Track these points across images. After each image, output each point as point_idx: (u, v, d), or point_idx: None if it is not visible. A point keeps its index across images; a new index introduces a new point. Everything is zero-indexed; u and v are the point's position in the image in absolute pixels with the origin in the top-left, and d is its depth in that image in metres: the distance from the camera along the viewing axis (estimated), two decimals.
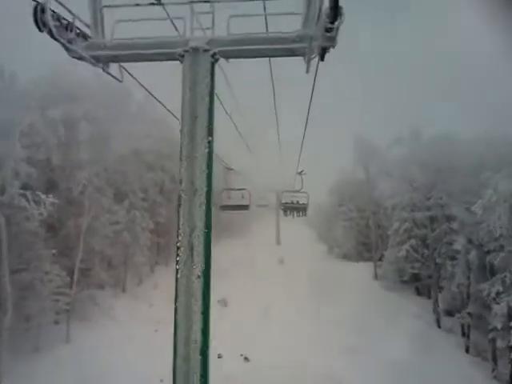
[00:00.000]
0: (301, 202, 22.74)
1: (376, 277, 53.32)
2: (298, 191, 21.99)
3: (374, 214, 57.51)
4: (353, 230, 63.52)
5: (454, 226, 40.40)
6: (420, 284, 48.77)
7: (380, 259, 54.50)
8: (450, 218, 42.80)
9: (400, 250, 47.64)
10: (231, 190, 21.46)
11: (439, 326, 41.74)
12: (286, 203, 22.96)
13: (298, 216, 23.22)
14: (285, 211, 23.28)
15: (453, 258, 40.46)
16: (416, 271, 46.94)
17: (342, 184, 69.84)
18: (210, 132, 5.84)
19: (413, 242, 47.30)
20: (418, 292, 49.31)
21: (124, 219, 38.62)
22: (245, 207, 20.69)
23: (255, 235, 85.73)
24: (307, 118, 10.52)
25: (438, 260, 43.24)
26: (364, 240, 63.85)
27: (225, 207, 20.86)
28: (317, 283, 49.22)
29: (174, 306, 5.63)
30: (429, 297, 47.39)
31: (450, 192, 43.15)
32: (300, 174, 20.33)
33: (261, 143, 45.06)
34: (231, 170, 21.94)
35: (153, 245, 47.73)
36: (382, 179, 50.59)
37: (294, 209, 22.92)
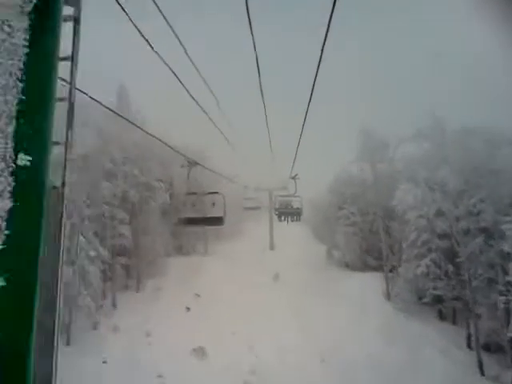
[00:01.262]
0: (295, 207, 22.20)
1: (388, 296, 43.42)
2: (291, 195, 21.22)
3: (383, 218, 47.45)
4: (356, 236, 53.75)
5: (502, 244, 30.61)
6: (443, 306, 38.97)
7: (391, 271, 44.84)
8: (485, 231, 33.09)
9: (418, 266, 38.14)
10: (194, 194, 15.50)
11: (481, 370, 31.92)
12: (280, 208, 22.44)
13: (292, 221, 21.78)
14: (279, 216, 22.10)
15: (492, 281, 30.95)
16: (439, 292, 37.19)
17: (341, 183, 59.99)
18: None
19: (434, 256, 37.90)
20: (441, 316, 39.48)
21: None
22: (217, 220, 15.25)
23: (247, 237, 76.75)
24: (305, 117, 9.50)
25: (473, 283, 33.47)
26: (368, 247, 54.29)
27: (188, 221, 15.46)
28: (318, 308, 39.80)
29: None
30: (454, 322, 38.17)
31: (489, 199, 33.26)
32: (294, 178, 19.24)
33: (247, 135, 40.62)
34: (194, 165, 14.66)
35: (116, 270, 38.06)
36: (400, 184, 40.03)
37: (289, 214, 22.29)
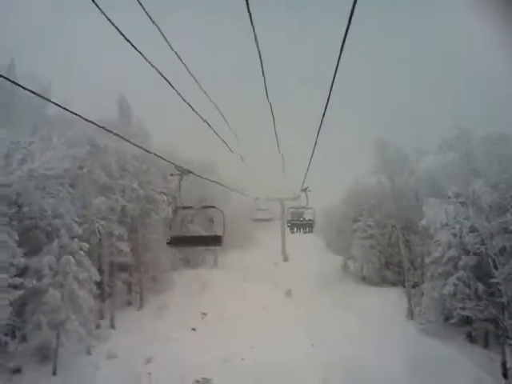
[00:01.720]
0: (307, 219, 21.70)
1: (410, 314, 39.65)
2: (303, 207, 20.84)
3: (403, 231, 43.78)
4: (374, 249, 50.11)
5: None
6: (473, 328, 35.07)
7: (413, 287, 41.18)
8: None
9: (445, 285, 34.38)
10: (189, 208, 12.70)
11: None
12: (293, 220, 21.85)
13: (304, 233, 22.01)
14: (291, 228, 22.11)
15: None
16: (468, 313, 33.34)
17: (357, 194, 56.48)
18: None
19: (462, 274, 34.00)
20: (471, 339, 35.55)
21: (49, 271, 25.25)
22: (215, 240, 11.78)
23: (259, 248, 73.37)
24: (320, 125, 8.56)
25: None
26: (387, 261, 50.73)
27: (180, 240, 12.03)
28: (334, 327, 36.37)
29: None
30: (485, 345, 34.33)
31: None
32: (305, 190, 18.99)
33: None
34: (186, 173, 11.49)
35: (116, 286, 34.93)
36: (428, 202, 36.10)
37: (301, 225, 21.86)
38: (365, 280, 51.92)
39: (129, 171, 36.04)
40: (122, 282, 36.38)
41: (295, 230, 23.15)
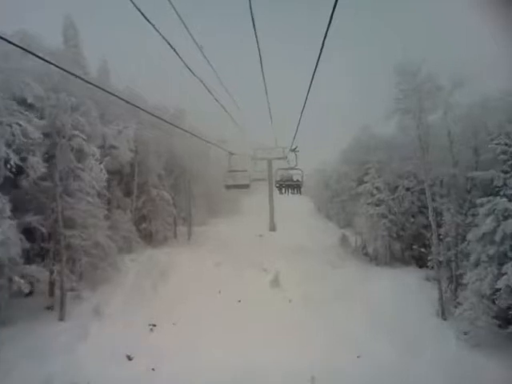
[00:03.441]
0: (295, 179, 21.38)
1: (443, 313, 27.76)
2: (292, 168, 21.17)
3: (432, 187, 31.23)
4: (385, 218, 37.71)
5: None
6: None
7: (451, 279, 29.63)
8: None
9: (499, 275, 22.61)
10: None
11: None
12: (281, 180, 21.56)
13: (292, 193, 21.81)
14: (280, 189, 21.86)
15: None
16: None
17: (360, 149, 43.88)
18: None
19: None
20: None
21: None
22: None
23: (245, 214, 61.93)
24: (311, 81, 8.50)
25: None
26: (398, 232, 38.32)
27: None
28: (338, 326, 24.77)
29: None
30: None
31: None
32: (294, 150, 20.13)
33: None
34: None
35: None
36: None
37: (289, 186, 21.59)
38: (370, 257, 39.96)
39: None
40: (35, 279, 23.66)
41: (283, 190, 22.22)
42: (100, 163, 25.59)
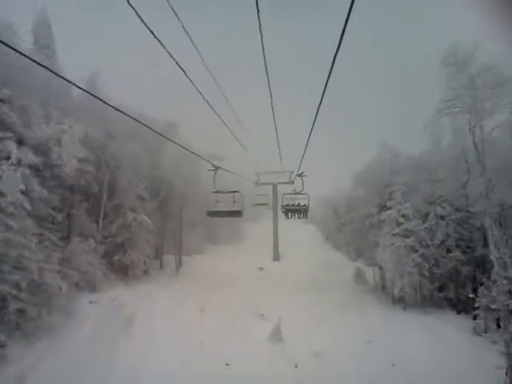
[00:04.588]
0: (302, 204, 20.46)
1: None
2: (298, 193, 19.88)
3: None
4: (414, 252, 29.49)
5: None
6: None
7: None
8: None
9: None
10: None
11: None
12: (288, 205, 20.43)
13: (298, 218, 20.83)
14: (286, 213, 20.66)
15: None
16: None
17: (379, 170, 35.99)
18: None
19: None
20: None
21: None
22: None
23: (248, 243, 57.76)
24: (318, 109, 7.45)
25: None
26: (431, 269, 30.07)
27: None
28: None
29: None
30: None
31: None
32: (300, 175, 18.80)
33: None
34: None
35: None
36: None
37: (295, 211, 20.57)
38: (393, 299, 31.52)
39: None
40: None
41: (290, 215, 20.96)
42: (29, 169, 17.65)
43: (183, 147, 15.76)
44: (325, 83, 6.26)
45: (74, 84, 6.84)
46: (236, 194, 18.29)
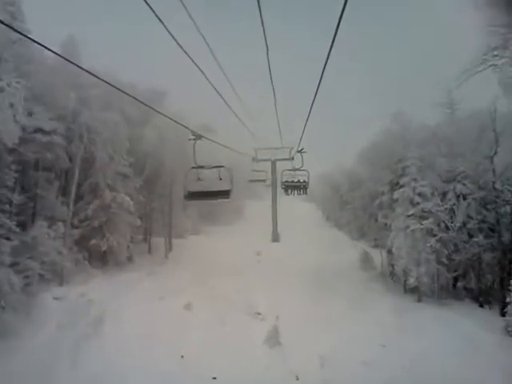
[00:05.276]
0: (301, 180, 19.74)
1: None
2: (298, 169, 19.04)
3: None
4: (431, 237, 25.47)
5: None
6: None
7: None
8: None
9: None
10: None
11: None
12: (287, 181, 19.87)
13: (298, 194, 20.51)
14: (286, 190, 20.18)
15: None
16: None
17: (388, 141, 31.73)
18: None
19: None
20: None
21: None
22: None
23: (246, 222, 52.23)
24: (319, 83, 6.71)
25: None
26: (451, 255, 26.17)
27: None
28: None
29: None
30: None
31: None
32: (300, 152, 17.71)
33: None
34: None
35: None
36: None
37: (295, 187, 20.05)
38: (405, 287, 27.58)
39: None
40: None
41: (289, 191, 20.44)
42: None
43: (165, 115, 11.77)
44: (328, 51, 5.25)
45: (32, 39, 5.28)
46: (222, 169, 13.99)
